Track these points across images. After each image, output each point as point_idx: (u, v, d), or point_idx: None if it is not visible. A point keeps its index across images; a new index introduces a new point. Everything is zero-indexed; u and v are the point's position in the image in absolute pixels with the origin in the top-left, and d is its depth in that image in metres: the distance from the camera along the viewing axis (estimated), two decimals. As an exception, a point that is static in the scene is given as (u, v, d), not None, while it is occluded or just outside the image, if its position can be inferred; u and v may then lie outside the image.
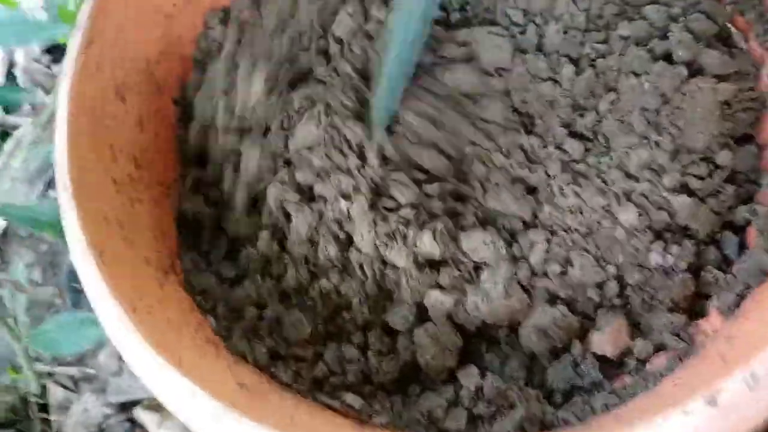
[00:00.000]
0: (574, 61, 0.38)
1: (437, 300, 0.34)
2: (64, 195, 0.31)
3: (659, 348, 0.32)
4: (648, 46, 0.37)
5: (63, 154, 0.31)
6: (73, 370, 0.49)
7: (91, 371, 0.49)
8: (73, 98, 0.32)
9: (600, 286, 0.33)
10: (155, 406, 0.46)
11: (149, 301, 0.30)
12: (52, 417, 0.48)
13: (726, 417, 0.23)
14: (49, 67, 0.61)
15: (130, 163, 0.35)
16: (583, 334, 0.33)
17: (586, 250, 0.33)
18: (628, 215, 0.33)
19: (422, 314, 0.34)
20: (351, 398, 0.31)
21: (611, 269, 0.33)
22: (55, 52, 0.62)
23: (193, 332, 0.32)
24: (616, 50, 0.37)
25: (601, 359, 0.32)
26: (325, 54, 0.40)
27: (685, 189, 0.34)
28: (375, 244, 0.34)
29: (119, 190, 0.34)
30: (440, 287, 0.34)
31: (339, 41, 0.39)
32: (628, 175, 0.34)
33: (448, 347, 0.33)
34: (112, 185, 0.34)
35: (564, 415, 0.30)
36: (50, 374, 0.49)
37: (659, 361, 0.32)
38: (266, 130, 0.38)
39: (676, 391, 0.27)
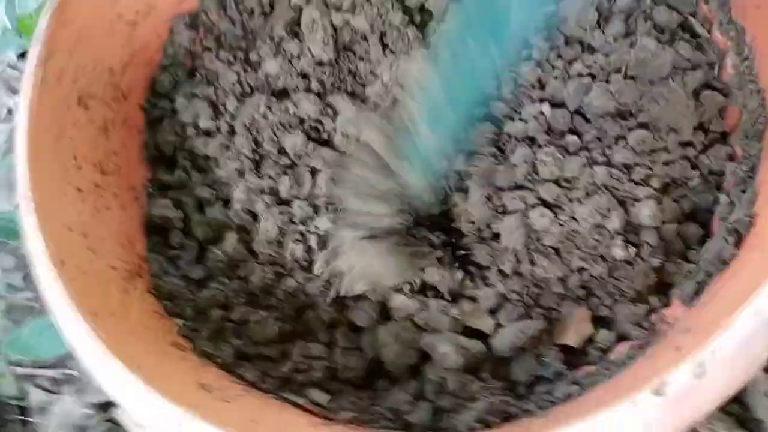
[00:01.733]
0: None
1: (402, 303, 0.34)
2: (25, 206, 0.31)
3: (622, 338, 0.33)
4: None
5: (23, 166, 0.31)
6: (54, 372, 0.50)
7: (72, 372, 0.49)
8: (32, 110, 0.32)
9: (563, 279, 0.34)
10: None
11: (112, 309, 0.30)
12: (32, 419, 0.48)
13: (674, 407, 0.23)
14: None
15: (96, 170, 0.36)
16: (548, 329, 0.33)
17: (549, 246, 0.33)
18: (590, 210, 0.33)
19: (386, 312, 0.34)
20: (317, 395, 0.32)
21: (575, 262, 0.33)
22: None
23: (159, 337, 0.32)
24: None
25: (565, 349, 0.33)
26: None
27: (652, 182, 0.34)
28: None
29: (84, 198, 0.34)
30: (403, 293, 0.34)
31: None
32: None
33: (410, 345, 0.33)
34: (76, 194, 0.34)
35: (526, 406, 0.31)
36: (30, 377, 0.49)
37: (621, 351, 0.32)
38: (233, 132, 0.39)
39: (632, 381, 0.27)
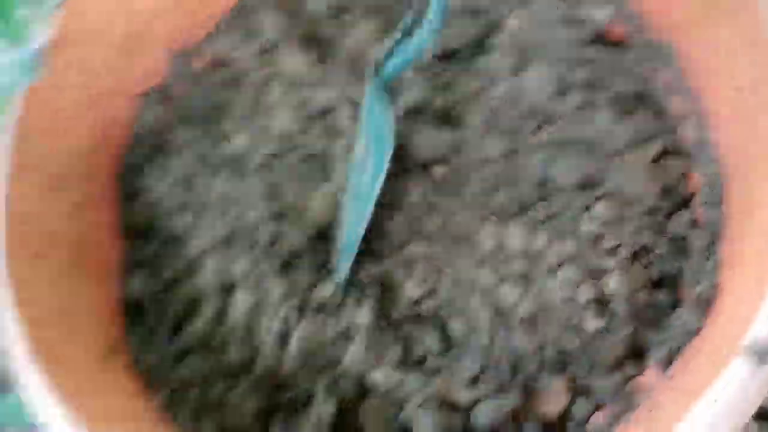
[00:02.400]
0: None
1: (380, 379, 0.34)
2: (2, 294, 0.31)
3: (598, 407, 0.33)
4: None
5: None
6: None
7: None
8: (3, 198, 0.32)
9: (539, 351, 0.34)
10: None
11: (89, 387, 0.31)
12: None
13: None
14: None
15: (69, 251, 0.36)
16: (525, 403, 0.33)
17: (523, 319, 0.34)
18: (559, 283, 0.34)
19: (363, 389, 0.34)
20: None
21: (549, 334, 0.34)
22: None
23: (138, 416, 0.32)
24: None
25: (544, 422, 0.33)
26: None
27: (620, 251, 0.35)
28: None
29: (59, 277, 0.35)
30: (382, 368, 0.34)
31: None
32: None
33: (390, 421, 0.33)
34: (50, 274, 0.34)
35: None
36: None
37: (598, 420, 0.33)
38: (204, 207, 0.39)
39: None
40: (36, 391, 0.29)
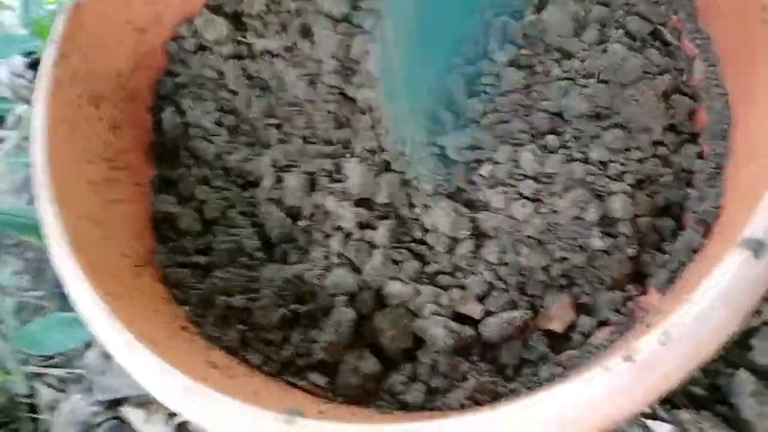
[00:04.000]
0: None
1: (396, 290, 0.36)
2: (43, 195, 0.33)
3: (602, 323, 0.35)
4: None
5: (42, 158, 0.33)
6: (61, 371, 0.51)
7: (79, 371, 0.51)
8: (48, 108, 0.34)
9: (546, 268, 0.36)
10: (141, 403, 0.48)
11: (125, 291, 0.33)
12: (41, 416, 0.50)
13: (644, 373, 0.25)
14: (32, 81, 0.64)
15: (107, 165, 0.38)
16: (533, 317, 0.35)
17: (532, 237, 0.36)
18: (568, 203, 0.35)
19: (381, 300, 0.36)
20: (317, 378, 0.34)
21: (557, 252, 0.36)
22: (38, 66, 0.64)
23: (168, 320, 0.34)
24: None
25: (549, 335, 0.35)
26: None
27: (625, 177, 0.36)
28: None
29: (96, 191, 0.37)
30: (400, 280, 0.36)
31: None
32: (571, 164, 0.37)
33: (405, 330, 0.35)
34: (88, 187, 0.36)
35: (513, 386, 0.33)
36: (39, 375, 0.51)
37: (601, 335, 0.34)
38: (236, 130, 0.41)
39: (606, 356, 0.29)
40: (77, 290, 0.31)
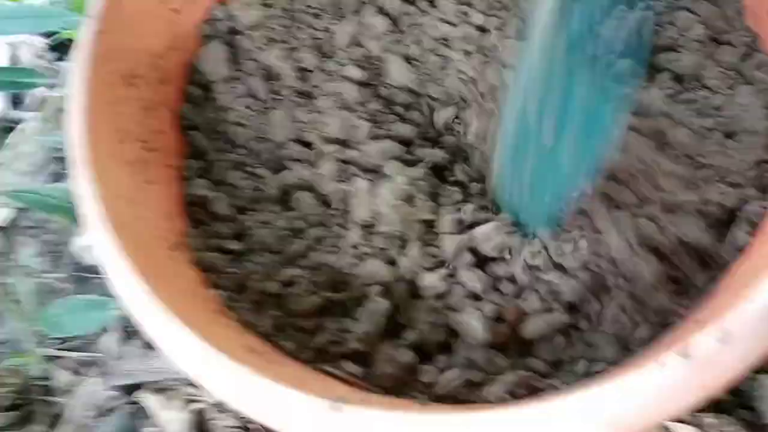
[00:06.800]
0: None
1: (430, 283, 0.35)
2: (81, 174, 0.32)
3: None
4: None
5: (80, 134, 0.33)
6: (78, 355, 0.51)
7: (96, 355, 0.50)
8: (86, 84, 0.34)
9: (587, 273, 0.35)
10: (158, 389, 0.48)
11: (162, 273, 0.32)
12: (57, 399, 0.49)
13: (700, 370, 0.25)
14: (52, 62, 0.63)
15: (140, 146, 0.37)
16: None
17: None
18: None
19: (415, 291, 0.36)
20: (351, 367, 0.33)
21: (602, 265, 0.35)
22: (60, 49, 0.63)
23: (204, 305, 0.33)
24: None
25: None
26: None
27: None
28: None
29: (131, 171, 0.36)
30: (433, 272, 0.35)
31: None
32: None
33: (440, 322, 0.34)
34: (124, 166, 0.36)
35: (551, 381, 0.32)
36: (55, 358, 0.51)
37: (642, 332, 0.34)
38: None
39: (652, 354, 0.29)
40: (115, 269, 0.31)
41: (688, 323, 0.32)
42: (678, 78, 0.39)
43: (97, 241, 0.31)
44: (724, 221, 0.34)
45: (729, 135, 0.37)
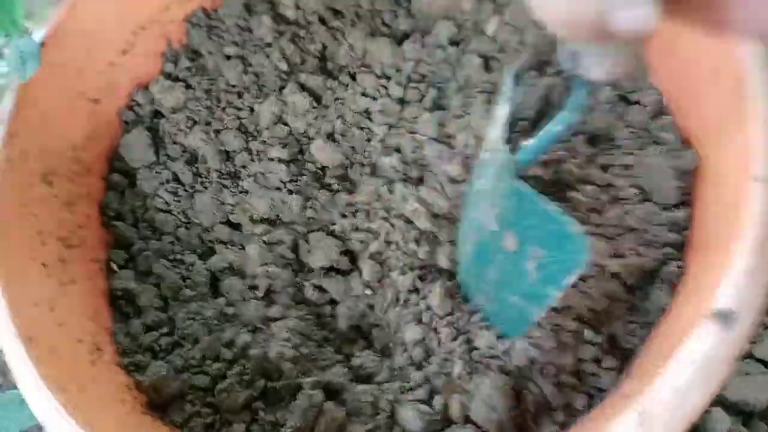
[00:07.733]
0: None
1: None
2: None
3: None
4: None
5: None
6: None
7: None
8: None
9: None
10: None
11: (81, 381, 0.31)
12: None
13: None
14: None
15: (60, 245, 0.36)
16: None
17: None
18: None
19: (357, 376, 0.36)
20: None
21: None
22: None
23: (127, 408, 0.32)
24: None
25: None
26: None
27: None
28: None
29: (49, 273, 0.35)
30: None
31: None
32: None
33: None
34: (41, 269, 0.35)
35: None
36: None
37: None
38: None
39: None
40: (29, 386, 0.30)
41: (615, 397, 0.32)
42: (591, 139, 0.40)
43: (9, 356, 0.30)
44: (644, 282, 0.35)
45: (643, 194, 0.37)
